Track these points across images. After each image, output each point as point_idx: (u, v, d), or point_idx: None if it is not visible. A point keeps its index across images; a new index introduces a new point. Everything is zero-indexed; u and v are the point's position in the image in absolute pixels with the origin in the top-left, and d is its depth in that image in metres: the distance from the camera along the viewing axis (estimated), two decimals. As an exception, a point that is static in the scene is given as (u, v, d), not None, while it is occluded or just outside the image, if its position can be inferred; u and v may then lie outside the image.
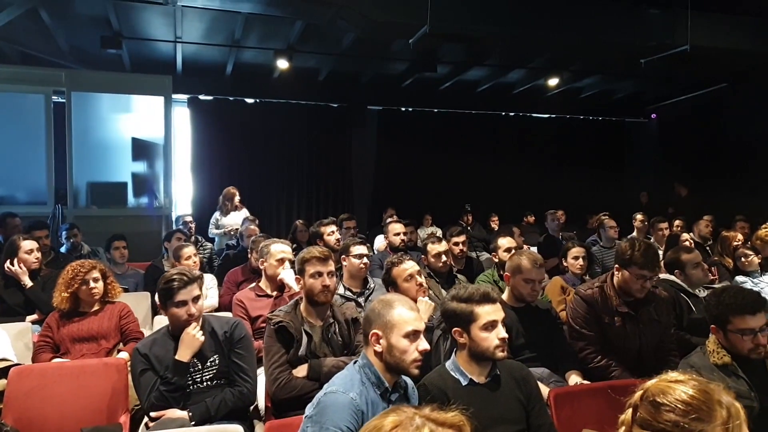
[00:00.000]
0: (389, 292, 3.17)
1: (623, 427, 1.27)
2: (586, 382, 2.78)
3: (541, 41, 6.71)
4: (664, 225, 6.16)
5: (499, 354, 2.08)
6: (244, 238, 5.48)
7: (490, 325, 2.09)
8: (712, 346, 2.33)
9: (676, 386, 1.23)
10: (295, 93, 9.37)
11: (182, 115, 9.14)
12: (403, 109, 10.34)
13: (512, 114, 10.98)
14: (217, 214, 7.13)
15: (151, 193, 7.69)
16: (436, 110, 10.48)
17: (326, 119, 9.76)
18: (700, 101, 9.91)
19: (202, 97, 9.13)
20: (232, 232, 6.69)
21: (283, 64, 7.69)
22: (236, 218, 6.84)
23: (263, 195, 9.36)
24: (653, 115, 11.43)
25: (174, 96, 7.94)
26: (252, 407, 2.79)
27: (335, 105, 9.85)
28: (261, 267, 3.78)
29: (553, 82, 9.10)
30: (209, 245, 6.43)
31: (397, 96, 9.97)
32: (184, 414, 2.43)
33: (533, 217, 8.98)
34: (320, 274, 2.77)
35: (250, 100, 9.40)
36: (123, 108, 7.79)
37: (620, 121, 11.66)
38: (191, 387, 2.54)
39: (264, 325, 3.07)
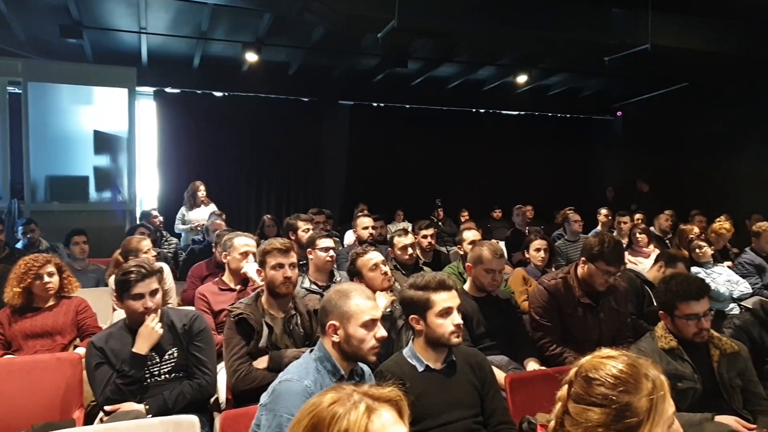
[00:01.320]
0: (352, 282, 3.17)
1: (559, 403, 1.32)
2: (543, 368, 2.84)
3: (508, 38, 6.79)
4: (626, 219, 6.32)
5: (454, 340, 2.11)
6: (210, 233, 5.41)
7: (446, 312, 2.12)
8: (660, 332, 2.41)
9: (608, 362, 1.28)
10: (265, 87, 9.28)
11: (148, 108, 8.98)
12: (375, 104, 10.35)
13: (482, 111, 11.09)
14: (183, 209, 7.02)
15: (114, 188, 7.52)
16: (407, 106, 10.51)
17: (297, 113, 9.70)
18: (662, 100, 10.15)
19: (168, 89, 8.97)
20: (198, 228, 6.60)
21: (251, 57, 7.61)
22: (203, 213, 6.75)
23: (232, 190, 9.25)
24: (618, 113, 11.67)
25: (139, 88, 7.80)
26: (212, 399, 2.77)
27: (306, 99, 9.79)
28: (224, 261, 3.75)
29: (521, 79, 9.20)
30: (174, 240, 6.34)
31: (369, 91, 9.96)
32: (140, 407, 2.40)
33: (500, 212, 9.09)
34: (281, 265, 2.76)
35: (218, 94, 9.29)
36: (84, 100, 7.59)
37: (587, 119, 11.87)
38: (149, 380, 2.51)
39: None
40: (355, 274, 3.27)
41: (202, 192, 6.93)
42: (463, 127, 10.77)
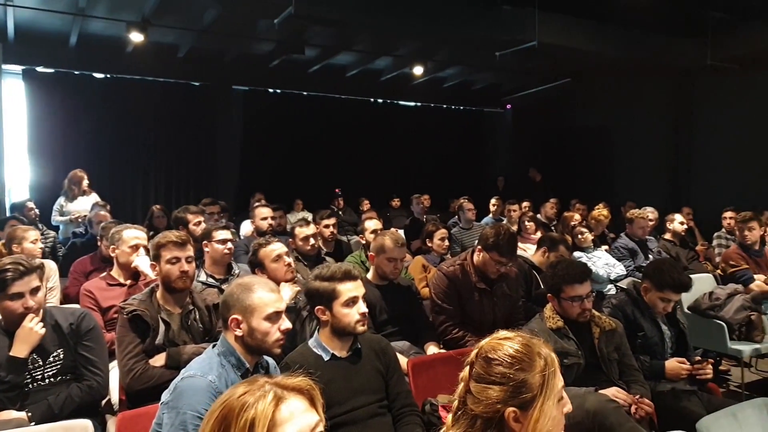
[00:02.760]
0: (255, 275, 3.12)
1: (462, 383, 1.40)
2: (443, 351, 2.97)
3: (402, 30, 6.94)
4: (514, 207, 6.72)
5: (360, 328, 2.16)
6: (93, 225, 5.06)
7: (351, 301, 2.15)
8: (548, 313, 2.63)
9: (505, 342, 1.39)
10: (152, 69, 8.75)
11: (16, 88, 8.11)
12: (271, 90, 10.12)
13: (380, 101, 11.23)
14: (61, 200, 6.47)
15: (-23, 176, 6.76)
16: (305, 93, 10.38)
17: (187, 98, 9.26)
18: (547, 94, 10.83)
19: (40, 69, 8.16)
20: (79, 219, 6.13)
21: (137, 37, 7.11)
22: (84, 204, 6.28)
23: (116, 179, 8.67)
24: (508, 106, 12.33)
25: (5, 66, 7.04)
26: (104, 402, 2.62)
27: (197, 84, 9.36)
28: (112, 255, 3.53)
29: (418, 70, 9.40)
30: (52, 233, 5.83)
31: (265, 77, 9.71)
32: (21, 415, 2.22)
33: (399, 201, 9.30)
34: (178, 259, 2.66)
35: (99, 75, 8.61)
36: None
37: (479, 111, 12.43)
38: (31, 385, 2.32)
39: (117, 315, 2.87)
40: (257, 266, 3.21)
41: (86, 182, 6.43)
42: (362, 116, 10.85)
